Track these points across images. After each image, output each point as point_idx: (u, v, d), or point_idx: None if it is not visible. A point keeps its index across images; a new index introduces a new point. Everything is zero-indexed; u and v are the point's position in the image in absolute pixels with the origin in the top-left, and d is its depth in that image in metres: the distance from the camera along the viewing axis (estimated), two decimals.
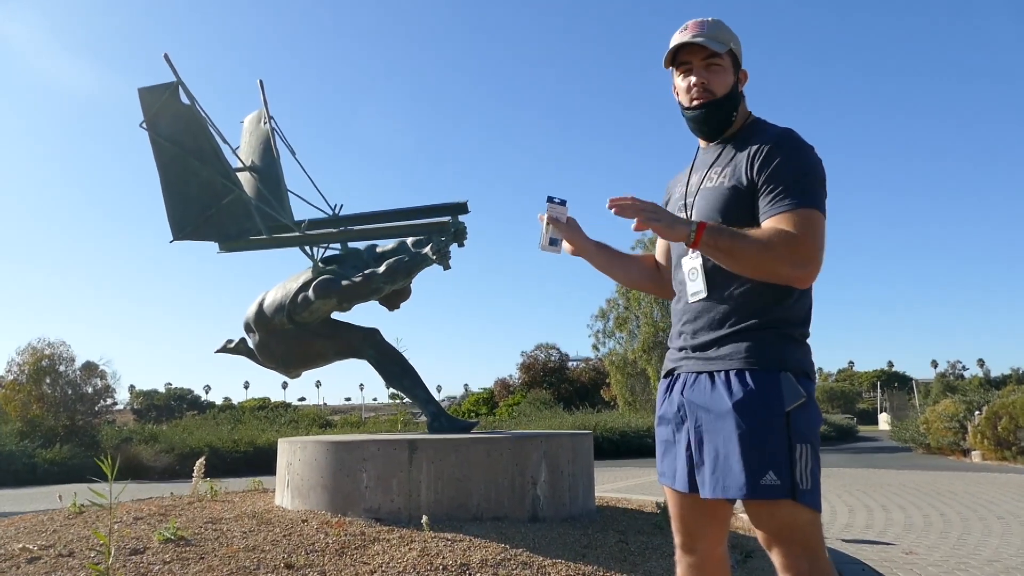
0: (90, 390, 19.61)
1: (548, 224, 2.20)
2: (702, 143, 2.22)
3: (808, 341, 2.02)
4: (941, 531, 6.79)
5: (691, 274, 2.08)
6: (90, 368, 19.71)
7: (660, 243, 2.32)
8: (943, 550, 5.80)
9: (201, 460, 6.24)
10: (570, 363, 49.47)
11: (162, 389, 73.65)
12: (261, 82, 6.84)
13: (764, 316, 1.96)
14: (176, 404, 65.10)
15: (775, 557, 1.90)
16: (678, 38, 2.09)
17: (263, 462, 16.12)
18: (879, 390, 64.94)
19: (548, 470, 4.99)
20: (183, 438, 18.57)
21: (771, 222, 1.89)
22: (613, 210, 1.90)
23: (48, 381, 18.34)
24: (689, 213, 2.10)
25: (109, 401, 20.88)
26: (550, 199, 2.20)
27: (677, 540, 2.16)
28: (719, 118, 2.10)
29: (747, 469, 1.84)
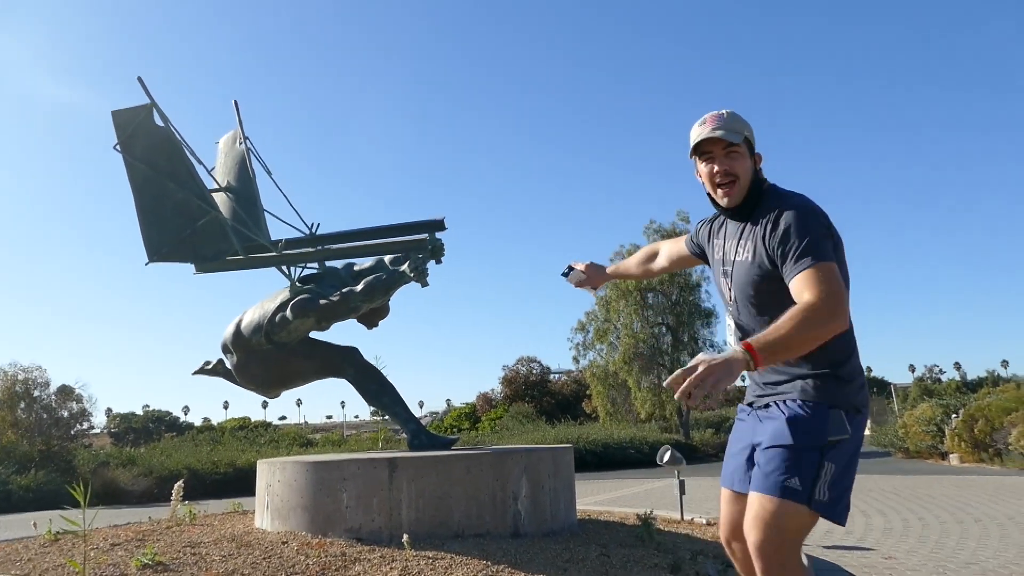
0: (66, 414, 19.39)
1: (581, 286, 3.17)
2: None
3: (858, 375, 2.30)
4: (920, 535, 6.86)
5: (736, 334, 2.48)
6: (66, 392, 19.48)
7: (665, 249, 3.00)
8: (922, 554, 5.86)
9: (179, 483, 6.17)
10: (552, 376, 49.55)
11: (140, 411, 72.43)
12: (236, 102, 6.83)
13: (812, 363, 2.26)
14: (154, 426, 64.12)
15: (752, 536, 2.19)
16: (699, 132, 2.37)
17: (244, 483, 15.96)
18: None
19: (529, 485, 5.00)
20: (161, 461, 18.35)
21: (793, 285, 2.16)
22: (678, 395, 1.99)
23: (23, 406, 18.07)
24: (730, 283, 2.45)
25: (85, 425, 20.66)
26: (565, 274, 3.18)
27: (722, 536, 2.56)
28: (748, 206, 2.39)
29: (779, 474, 2.17)
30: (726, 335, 2.60)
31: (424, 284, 5.83)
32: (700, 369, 1.94)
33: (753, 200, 2.39)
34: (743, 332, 2.42)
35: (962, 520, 7.79)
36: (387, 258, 6.19)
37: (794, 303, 2.15)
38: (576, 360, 33.81)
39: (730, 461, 2.54)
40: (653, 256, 3.08)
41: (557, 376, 49.72)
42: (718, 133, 2.33)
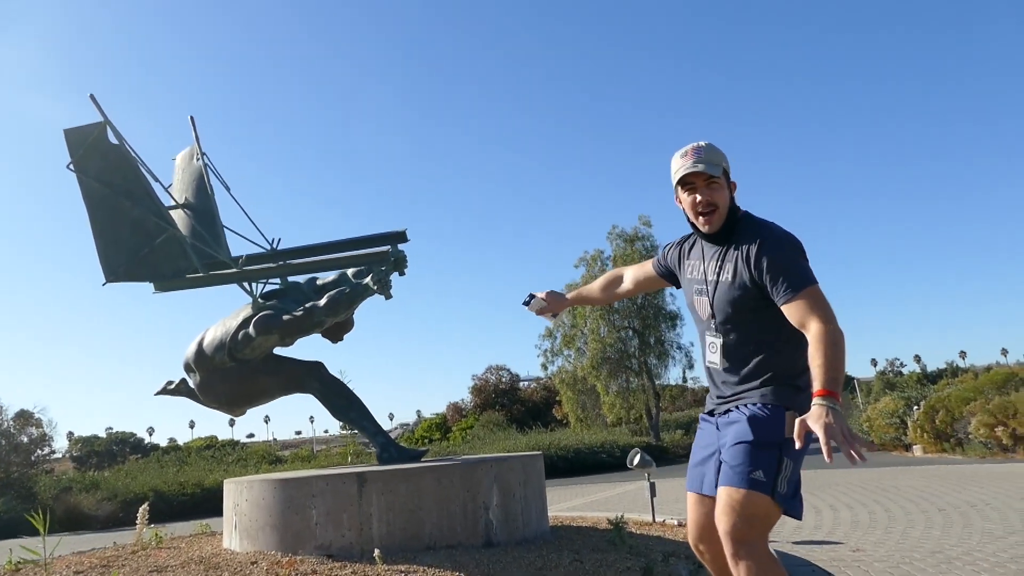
0: (25, 439, 18.92)
1: (542, 314, 3.31)
2: None
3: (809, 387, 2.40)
4: (886, 527, 6.98)
5: (711, 347, 2.66)
6: (24, 416, 19.04)
7: (631, 273, 3.17)
8: (888, 545, 5.96)
9: (144, 506, 6.05)
10: (521, 383, 49.49)
11: (103, 434, 70.65)
12: (192, 118, 6.75)
13: (774, 373, 2.51)
14: (118, 449, 62.66)
15: (722, 524, 2.37)
16: (682, 164, 2.58)
17: (212, 504, 15.70)
18: None
19: (500, 494, 4.99)
20: (126, 484, 17.99)
21: (788, 310, 2.40)
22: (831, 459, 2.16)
23: None
24: (711, 301, 2.63)
25: (46, 450, 20.19)
26: (526, 303, 3.29)
27: (691, 540, 2.72)
28: (726, 232, 2.62)
29: (744, 466, 2.38)
30: (704, 352, 2.75)
31: (388, 296, 5.80)
32: (831, 437, 2.07)
33: (729, 225, 2.61)
34: (725, 346, 2.62)
35: (926, 510, 7.95)
36: (350, 271, 6.15)
37: (777, 318, 2.45)
38: (545, 367, 33.81)
39: (696, 467, 2.72)
40: (617, 281, 3.25)
41: (526, 383, 49.63)
42: (700, 167, 2.53)
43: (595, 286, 3.31)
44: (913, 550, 5.68)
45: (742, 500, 2.36)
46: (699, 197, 2.58)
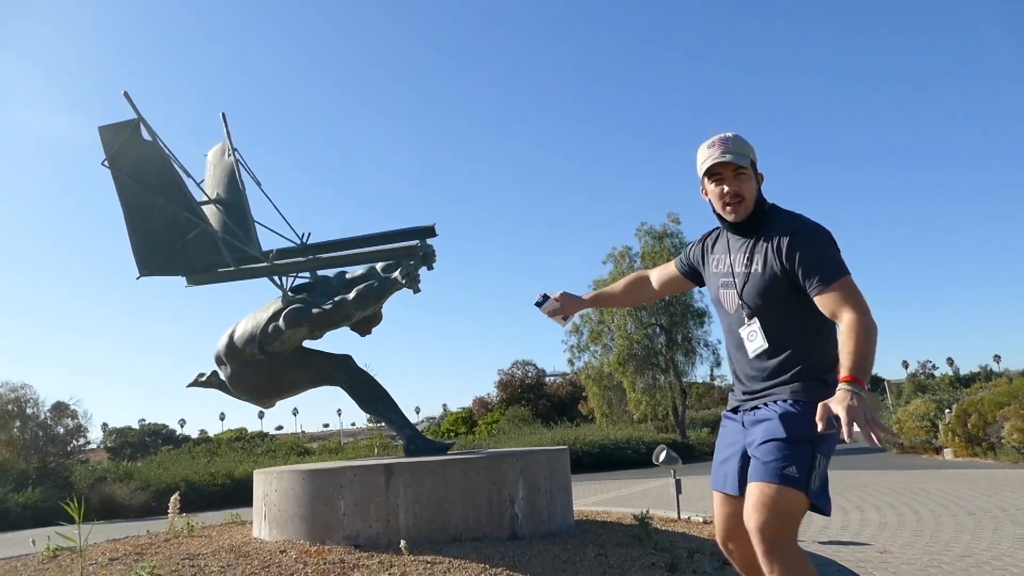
0: (61, 430, 19.34)
1: (554, 317, 3.15)
2: None
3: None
4: (914, 529, 6.90)
5: (750, 336, 2.59)
6: (60, 408, 19.44)
7: (655, 274, 3.12)
8: (916, 548, 5.90)
9: (176, 496, 6.18)
10: (547, 378, 49.45)
11: (136, 425, 71.91)
12: (223, 114, 6.86)
13: (803, 368, 2.48)
14: (151, 440, 63.70)
15: (753, 520, 2.32)
16: (709, 154, 2.57)
17: (242, 494, 15.94)
18: None
19: (525, 487, 5.03)
20: (158, 474, 18.31)
21: (821, 300, 2.39)
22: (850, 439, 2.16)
23: (18, 424, 18.01)
24: (739, 292, 2.60)
25: (81, 440, 20.60)
26: (539, 304, 3.13)
27: (719, 539, 2.68)
28: (754, 223, 2.60)
29: (778, 462, 2.34)
30: (729, 347, 2.73)
31: (416, 290, 5.86)
32: (852, 419, 2.09)
33: (757, 217, 2.59)
34: (759, 335, 2.58)
35: (956, 514, 7.84)
36: (379, 265, 6.22)
37: (807, 311, 2.45)
38: (571, 362, 33.69)
39: (720, 465, 2.68)
40: (641, 282, 3.20)
41: (553, 379, 49.57)
42: (728, 157, 2.52)
43: (617, 287, 3.24)
44: (941, 553, 5.62)
45: (774, 496, 2.32)
46: (727, 188, 2.56)
